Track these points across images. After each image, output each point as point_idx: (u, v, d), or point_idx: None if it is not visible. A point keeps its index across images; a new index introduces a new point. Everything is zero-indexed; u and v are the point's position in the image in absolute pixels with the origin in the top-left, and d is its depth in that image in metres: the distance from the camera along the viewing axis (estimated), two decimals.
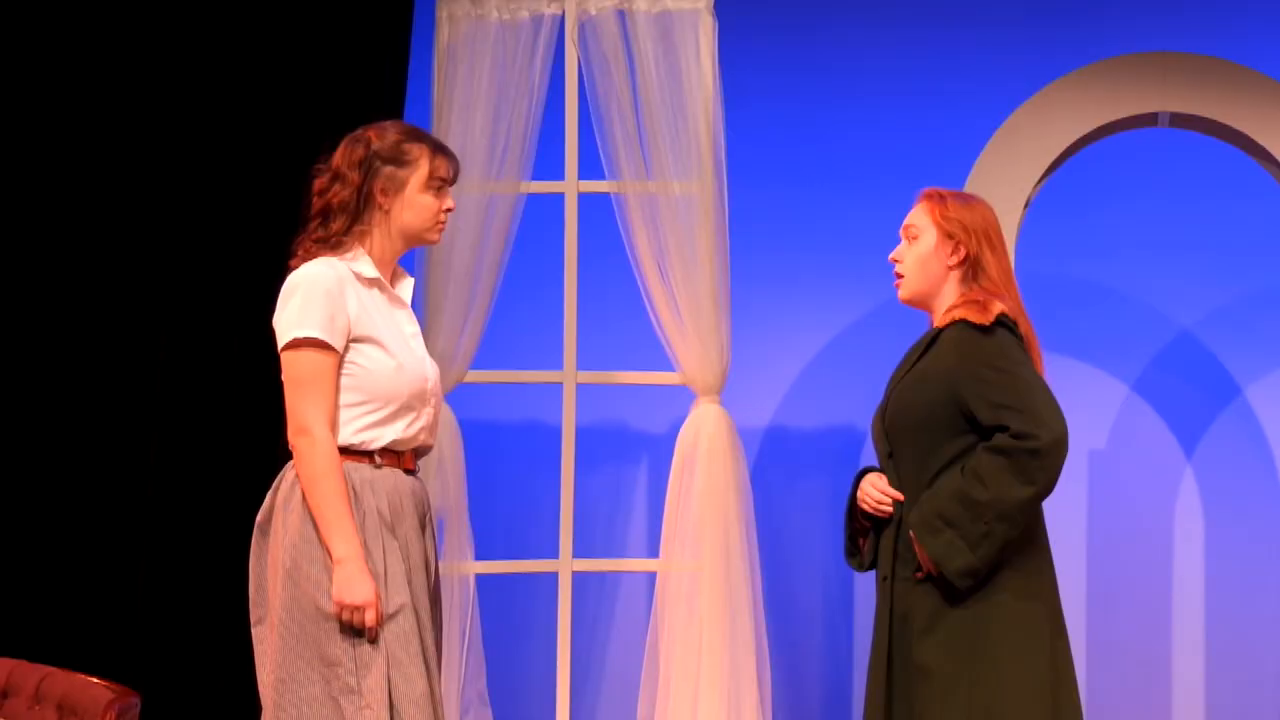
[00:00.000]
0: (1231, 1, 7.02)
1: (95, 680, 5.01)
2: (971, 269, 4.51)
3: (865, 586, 6.82)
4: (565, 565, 6.21)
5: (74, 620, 6.23)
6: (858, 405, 7.05)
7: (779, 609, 6.75)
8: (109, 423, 6.32)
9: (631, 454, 7.07)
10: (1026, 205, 6.41)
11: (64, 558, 6.27)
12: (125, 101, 6.36)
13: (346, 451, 4.20)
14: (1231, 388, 7.14)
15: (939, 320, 4.50)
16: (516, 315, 6.56)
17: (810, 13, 7.16)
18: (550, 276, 6.32)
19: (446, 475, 6.04)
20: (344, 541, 4.11)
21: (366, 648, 4.11)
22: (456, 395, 6.14)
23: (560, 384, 6.27)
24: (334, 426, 4.19)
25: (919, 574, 4.40)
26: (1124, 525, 7.09)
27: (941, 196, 4.59)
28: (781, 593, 6.86)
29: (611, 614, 7.00)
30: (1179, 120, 6.52)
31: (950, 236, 4.52)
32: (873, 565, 4.58)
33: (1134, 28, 6.95)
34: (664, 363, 6.21)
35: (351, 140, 4.34)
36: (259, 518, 4.25)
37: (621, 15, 6.16)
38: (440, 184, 4.34)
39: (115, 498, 6.30)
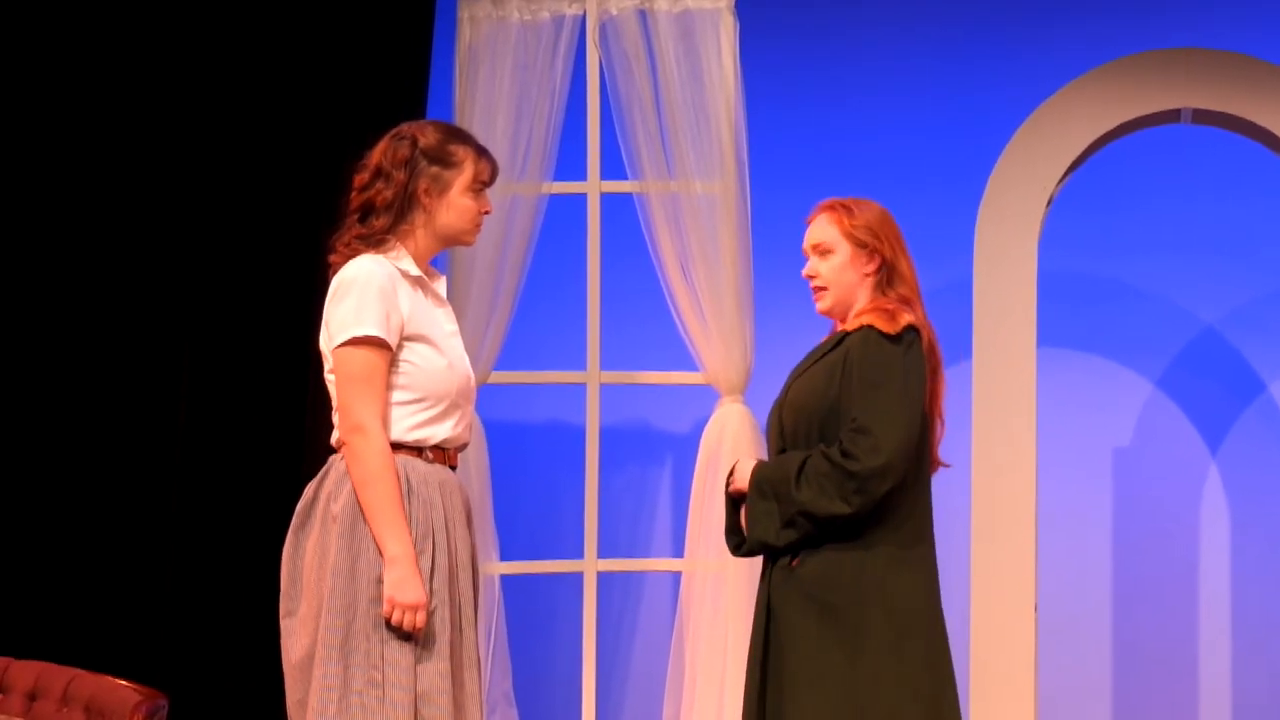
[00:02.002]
0: None
1: (123, 682, 5.03)
2: (887, 275, 4.53)
3: None
4: (590, 565, 6.22)
5: (102, 622, 6.25)
6: None
7: None
8: (135, 425, 6.34)
9: (655, 454, 7.07)
10: (1049, 203, 6.40)
11: (91, 560, 6.28)
12: (148, 105, 6.38)
13: (401, 447, 4.21)
14: (1256, 384, 7.13)
15: (848, 324, 4.50)
16: (540, 316, 6.57)
17: (831, 11, 7.15)
18: (573, 277, 6.33)
19: (470, 476, 6.04)
20: (397, 541, 4.11)
21: (395, 643, 4.12)
22: (480, 396, 6.14)
23: (584, 384, 6.28)
24: (386, 424, 4.19)
25: (794, 562, 4.40)
26: (1149, 523, 7.07)
27: (844, 206, 4.59)
28: None
29: (636, 614, 7.00)
30: (1202, 116, 6.50)
31: (863, 246, 4.53)
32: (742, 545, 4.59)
33: (1156, 24, 6.94)
34: (687, 362, 6.22)
35: (395, 138, 4.31)
36: (298, 508, 4.24)
37: (643, 15, 6.17)
38: (481, 187, 4.34)
39: (142, 500, 6.31)
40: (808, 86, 7.13)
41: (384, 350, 4.18)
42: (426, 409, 4.24)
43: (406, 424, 4.22)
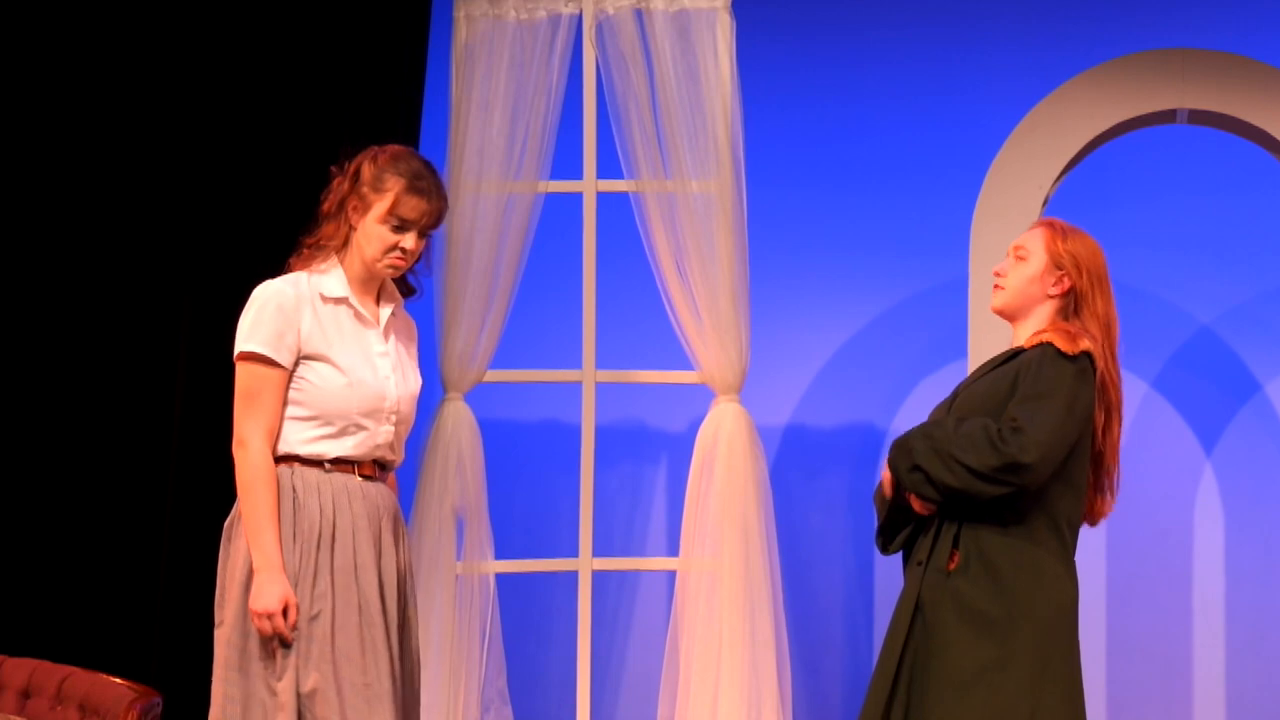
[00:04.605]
0: None
1: (117, 680, 5.03)
2: (1074, 303, 4.58)
3: (885, 583, 6.83)
4: (585, 564, 6.22)
5: (96, 620, 6.25)
6: (877, 404, 7.05)
7: (798, 607, 6.75)
8: (130, 423, 6.33)
9: (651, 453, 7.07)
10: (1045, 202, 6.40)
11: (85, 558, 6.28)
12: (147, 100, 6.38)
13: (296, 459, 4.34)
14: (1251, 384, 7.13)
15: (1025, 340, 4.54)
16: (535, 315, 6.57)
17: (827, 11, 7.15)
18: (569, 276, 6.33)
19: (466, 475, 6.04)
20: (260, 552, 4.25)
21: (281, 651, 4.25)
22: (475, 395, 6.15)
23: (579, 383, 6.27)
24: (272, 438, 4.32)
25: (951, 565, 4.42)
26: (1144, 522, 7.07)
27: (1061, 228, 4.65)
28: (801, 591, 6.85)
29: (631, 612, 7.00)
30: (1197, 117, 6.51)
31: (1059, 267, 4.58)
32: (898, 549, 4.62)
33: (1152, 24, 6.94)
34: (683, 362, 6.21)
35: (363, 153, 4.43)
36: (226, 522, 4.42)
37: (639, 14, 6.16)
38: (401, 222, 4.37)
39: (136, 498, 6.31)
40: (804, 86, 7.13)
41: (273, 367, 4.32)
42: (320, 426, 4.35)
43: (300, 439, 4.35)
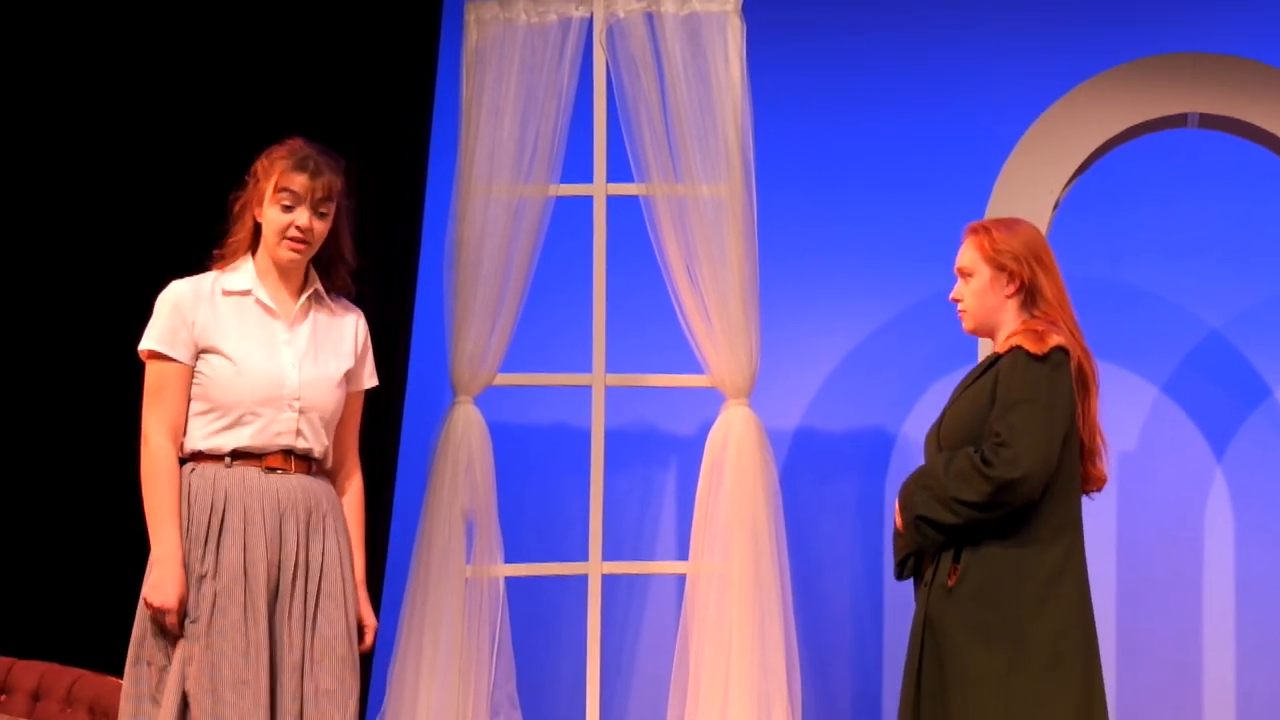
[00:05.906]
0: (1261, 2, 7.00)
1: None
2: (1028, 295, 4.64)
3: (894, 588, 6.81)
4: (595, 568, 6.21)
5: (105, 624, 6.24)
6: (887, 408, 7.05)
7: (808, 611, 6.74)
8: (136, 426, 6.33)
9: (661, 456, 7.06)
10: (1055, 207, 6.40)
11: (95, 561, 6.28)
12: (155, 103, 6.38)
13: (200, 457, 4.38)
14: (1261, 389, 7.12)
15: (1000, 345, 4.61)
16: (545, 318, 6.57)
17: (837, 15, 7.15)
18: (579, 279, 6.32)
19: (475, 478, 6.04)
20: (159, 544, 4.31)
21: (168, 646, 4.31)
22: (485, 398, 6.15)
23: (589, 386, 6.27)
24: (176, 434, 4.38)
25: (951, 581, 4.44)
26: (1154, 527, 7.07)
27: (986, 229, 4.71)
28: (811, 595, 6.85)
29: (641, 616, 7.00)
30: (1208, 121, 6.50)
31: (1002, 269, 4.65)
32: (910, 574, 4.66)
33: (1163, 29, 6.94)
34: (693, 365, 6.21)
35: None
36: None
37: (649, 18, 6.16)
38: (290, 198, 4.41)
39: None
40: (814, 90, 7.12)
41: (169, 363, 4.39)
42: (218, 418, 4.40)
43: (201, 433, 4.41)
